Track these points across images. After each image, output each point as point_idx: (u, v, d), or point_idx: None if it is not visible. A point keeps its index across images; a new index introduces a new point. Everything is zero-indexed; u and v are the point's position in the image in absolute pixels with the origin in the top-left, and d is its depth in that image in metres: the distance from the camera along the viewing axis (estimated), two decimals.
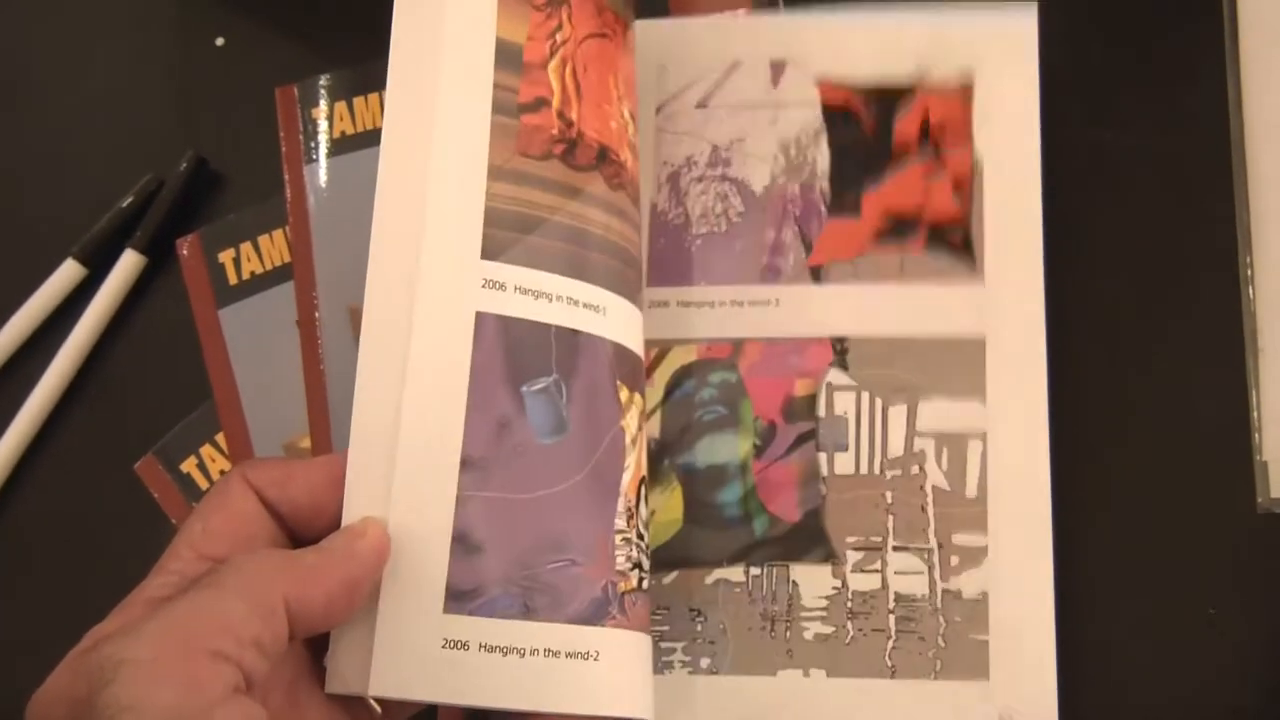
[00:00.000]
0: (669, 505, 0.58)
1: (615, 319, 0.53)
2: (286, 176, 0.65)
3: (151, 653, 0.40)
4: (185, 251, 0.66)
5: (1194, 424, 0.60)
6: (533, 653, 0.48)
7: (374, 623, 0.47)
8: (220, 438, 0.64)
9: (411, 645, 0.47)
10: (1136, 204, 0.63)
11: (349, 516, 0.48)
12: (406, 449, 0.48)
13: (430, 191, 0.50)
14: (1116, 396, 0.60)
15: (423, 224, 0.50)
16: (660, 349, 0.60)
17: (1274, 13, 0.60)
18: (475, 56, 0.52)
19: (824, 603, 0.56)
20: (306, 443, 0.61)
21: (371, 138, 0.65)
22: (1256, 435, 0.58)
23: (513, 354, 0.51)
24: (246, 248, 0.65)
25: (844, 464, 0.58)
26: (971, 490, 0.56)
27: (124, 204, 0.69)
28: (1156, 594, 0.58)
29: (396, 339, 0.49)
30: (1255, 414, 0.58)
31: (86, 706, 0.39)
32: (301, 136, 0.65)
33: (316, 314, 0.62)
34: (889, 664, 0.56)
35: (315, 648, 0.48)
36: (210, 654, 0.41)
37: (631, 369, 0.54)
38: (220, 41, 0.72)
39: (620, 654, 0.51)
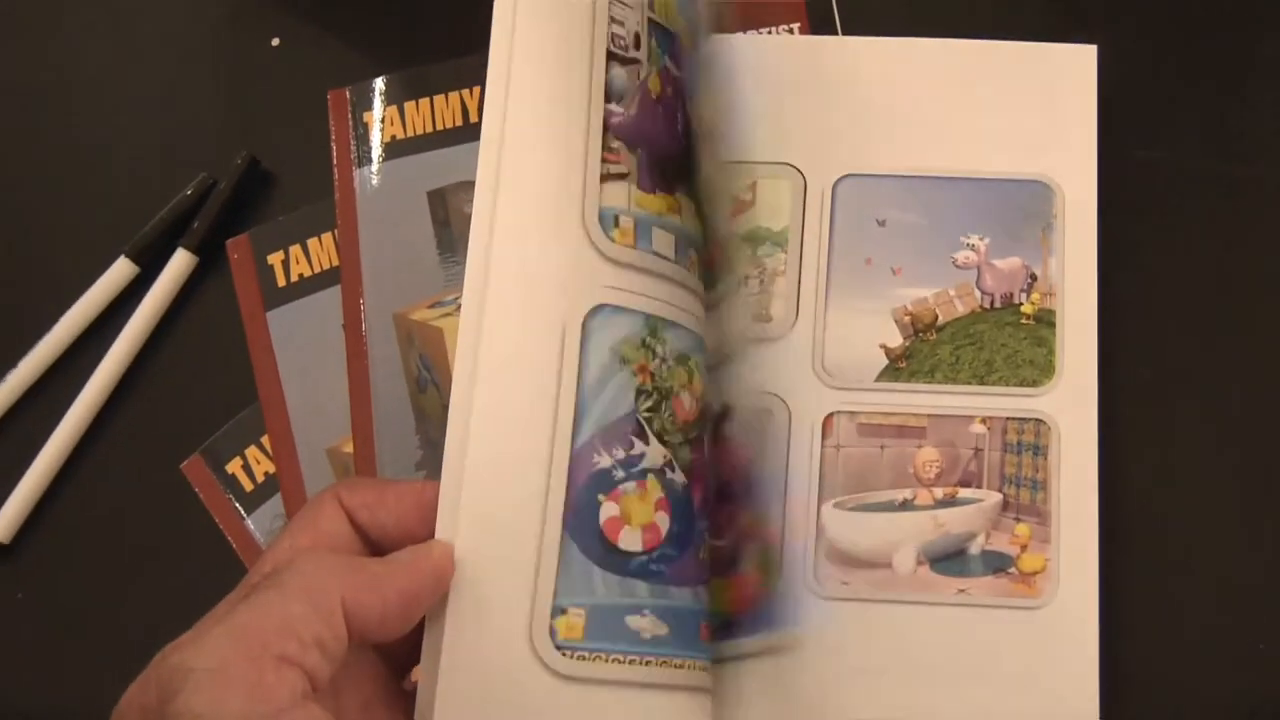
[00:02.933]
0: None
1: None
2: (336, 180, 0.65)
3: (218, 660, 0.40)
4: (235, 253, 0.66)
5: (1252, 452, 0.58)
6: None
7: (444, 654, 0.45)
8: (265, 440, 0.64)
9: (484, 678, 0.45)
10: (1193, 227, 0.62)
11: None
12: (494, 480, 0.47)
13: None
14: (1168, 421, 0.59)
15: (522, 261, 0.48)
16: None
17: None
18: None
19: None
20: (349, 447, 0.62)
21: (422, 143, 0.65)
22: None
23: None
24: (296, 250, 0.66)
25: None
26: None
27: (176, 203, 0.69)
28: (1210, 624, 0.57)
29: (492, 367, 0.47)
30: None
31: (157, 716, 0.40)
32: (353, 140, 0.65)
33: (362, 318, 0.62)
34: None
35: (395, 667, 0.48)
36: (276, 659, 0.41)
37: None
38: (276, 42, 0.73)
39: None
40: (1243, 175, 0.61)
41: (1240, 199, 0.61)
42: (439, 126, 0.65)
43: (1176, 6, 0.64)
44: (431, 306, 0.62)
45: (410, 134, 0.65)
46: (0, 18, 0.76)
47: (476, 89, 0.65)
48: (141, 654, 0.60)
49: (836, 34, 0.64)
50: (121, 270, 0.69)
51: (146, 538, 0.65)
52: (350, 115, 0.66)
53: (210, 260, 0.69)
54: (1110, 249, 0.59)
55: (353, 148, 0.65)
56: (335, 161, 0.65)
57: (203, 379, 0.67)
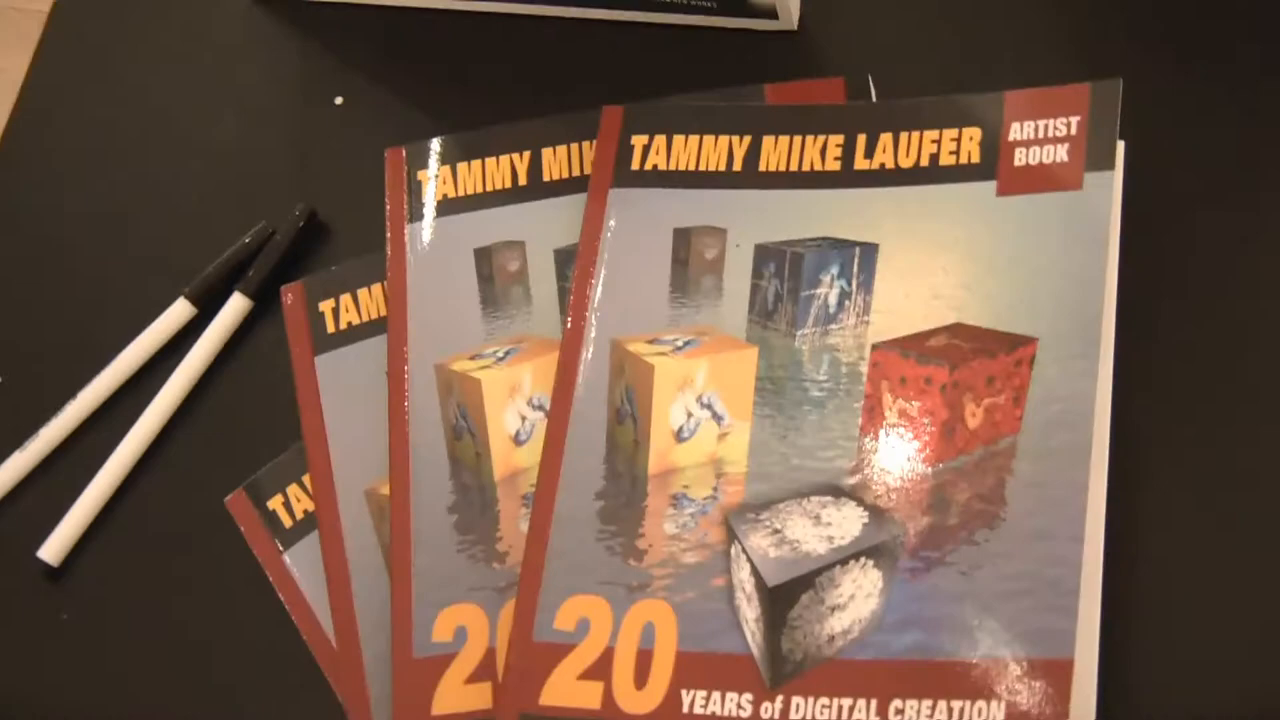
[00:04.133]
0: None
1: None
2: (389, 234, 0.68)
3: None
4: (289, 299, 0.69)
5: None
6: None
7: None
8: (307, 479, 0.67)
9: None
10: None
11: None
12: None
13: None
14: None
15: None
16: None
17: None
18: None
19: None
20: (386, 489, 0.64)
21: (472, 202, 0.68)
22: None
23: None
24: (346, 299, 0.69)
25: None
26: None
27: (236, 250, 0.72)
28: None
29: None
30: None
31: None
32: (406, 196, 0.68)
33: (406, 368, 0.65)
34: None
35: None
36: None
37: None
38: (339, 101, 0.76)
39: None
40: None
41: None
42: (489, 188, 0.68)
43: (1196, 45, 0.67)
44: (472, 358, 0.65)
45: (461, 193, 0.68)
46: (87, 67, 0.80)
47: (527, 153, 0.68)
48: (176, 676, 0.63)
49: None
50: (180, 311, 0.72)
51: (188, 567, 0.68)
52: (405, 173, 0.69)
53: (264, 305, 0.72)
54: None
55: (406, 204, 0.68)
56: (388, 216, 0.68)
57: (251, 417, 0.70)
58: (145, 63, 0.80)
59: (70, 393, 0.72)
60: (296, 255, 0.73)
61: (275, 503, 0.67)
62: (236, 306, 0.72)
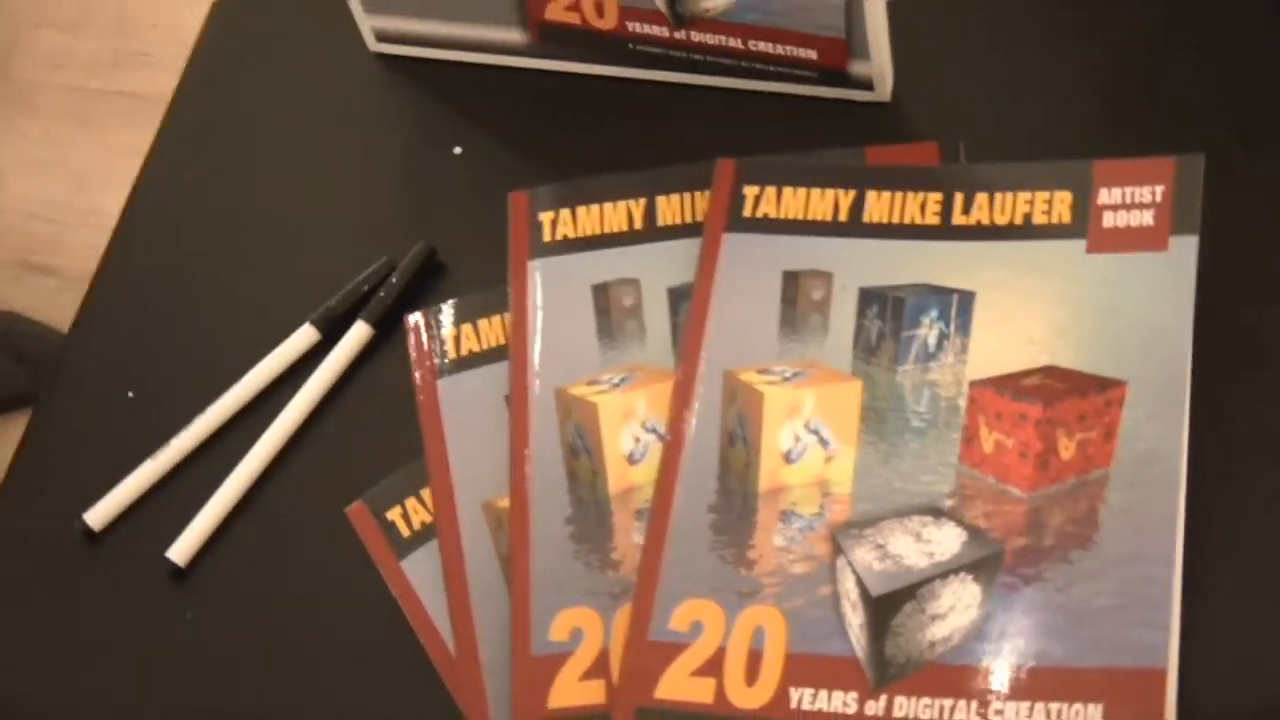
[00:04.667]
0: None
1: None
2: (511, 269, 0.73)
3: None
4: (413, 324, 0.74)
5: None
6: None
7: None
8: (424, 492, 0.71)
9: None
10: None
11: None
12: None
13: None
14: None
15: None
16: None
17: None
18: None
19: None
20: (504, 503, 0.69)
21: (590, 242, 0.73)
22: None
23: None
24: (467, 328, 0.74)
25: None
26: None
27: (359, 282, 0.77)
28: None
29: None
30: None
31: None
32: (529, 235, 0.74)
33: (527, 391, 0.70)
34: None
35: None
36: None
37: None
38: (458, 150, 0.82)
39: None
40: None
41: None
42: (606, 230, 0.74)
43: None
44: (589, 384, 0.70)
45: (580, 234, 0.74)
46: (223, 112, 0.85)
47: (643, 200, 0.74)
48: (293, 674, 0.67)
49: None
50: (305, 336, 0.77)
51: (308, 572, 0.72)
52: (528, 213, 0.74)
53: (384, 334, 0.77)
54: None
55: (528, 241, 0.74)
56: (511, 253, 0.74)
57: (368, 436, 0.75)
58: (275, 112, 0.85)
59: (199, 409, 0.76)
60: (415, 290, 0.78)
61: (394, 514, 0.71)
62: (359, 334, 0.77)
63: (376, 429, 0.75)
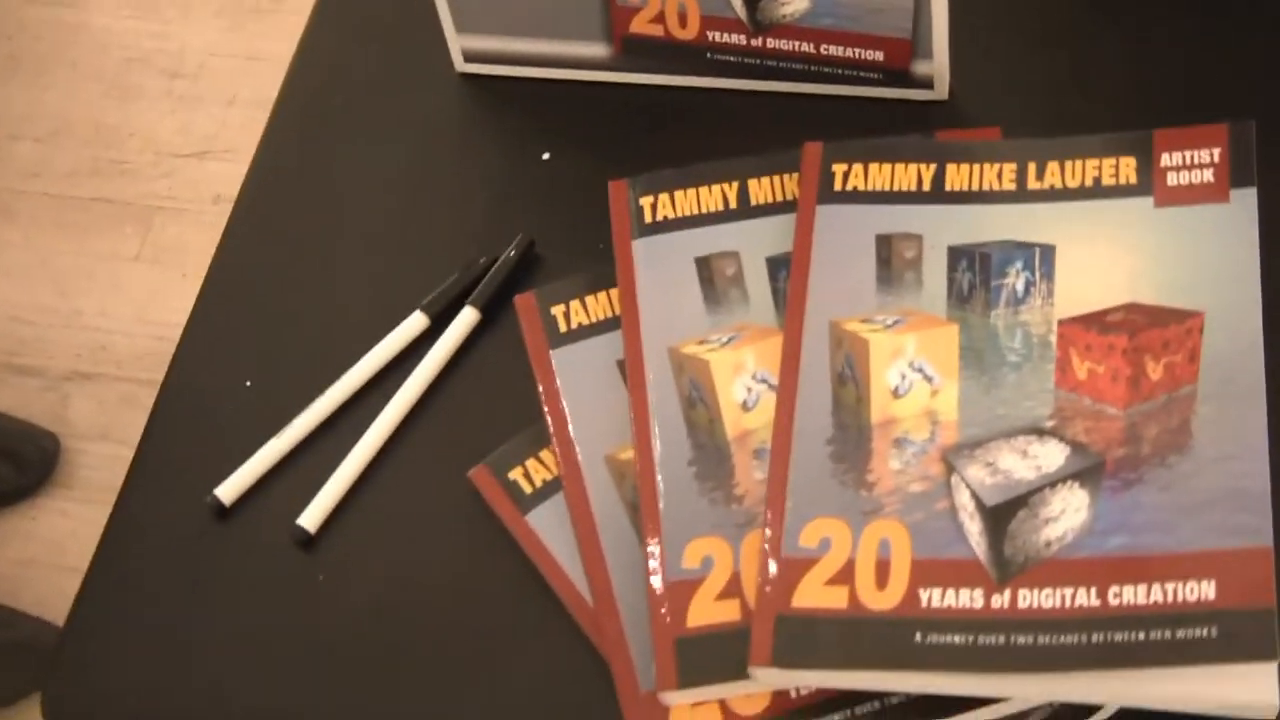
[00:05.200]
0: None
1: None
2: (616, 247, 0.79)
3: None
4: (523, 305, 0.80)
5: None
6: None
7: None
8: (544, 454, 0.76)
9: None
10: None
11: None
12: None
13: None
14: None
15: None
16: None
17: None
18: None
19: None
20: (626, 454, 0.74)
21: (688, 221, 0.80)
22: None
23: None
24: (575, 304, 0.79)
25: None
26: None
27: (463, 272, 0.83)
28: None
29: None
30: None
31: None
32: (630, 217, 0.80)
33: (642, 353, 0.76)
34: None
35: None
36: None
37: None
38: (546, 156, 0.88)
39: None
40: None
41: None
42: (702, 210, 0.80)
43: None
44: (700, 343, 0.76)
45: (679, 214, 0.80)
46: (330, 126, 0.91)
47: (735, 183, 0.80)
48: (422, 628, 0.72)
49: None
50: (416, 321, 0.83)
51: (434, 533, 0.77)
52: (628, 198, 0.80)
53: (491, 318, 0.83)
54: None
55: (630, 223, 0.80)
56: (614, 233, 0.80)
57: (482, 409, 0.80)
58: (370, 130, 0.91)
59: (315, 395, 0.81)
60: (516, 278, 0.83)
61: (515, 474, 0.76)
62: (467, 318, 0.82)
63: (488, 403, 0.80)
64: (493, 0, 0.87)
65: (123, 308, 2.10)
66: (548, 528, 0.75)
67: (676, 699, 0.67)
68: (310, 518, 0.77)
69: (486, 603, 0.74)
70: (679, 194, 0.80)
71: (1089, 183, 0.76)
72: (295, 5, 2.35)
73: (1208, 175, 0.74)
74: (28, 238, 2.22)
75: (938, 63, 0.83)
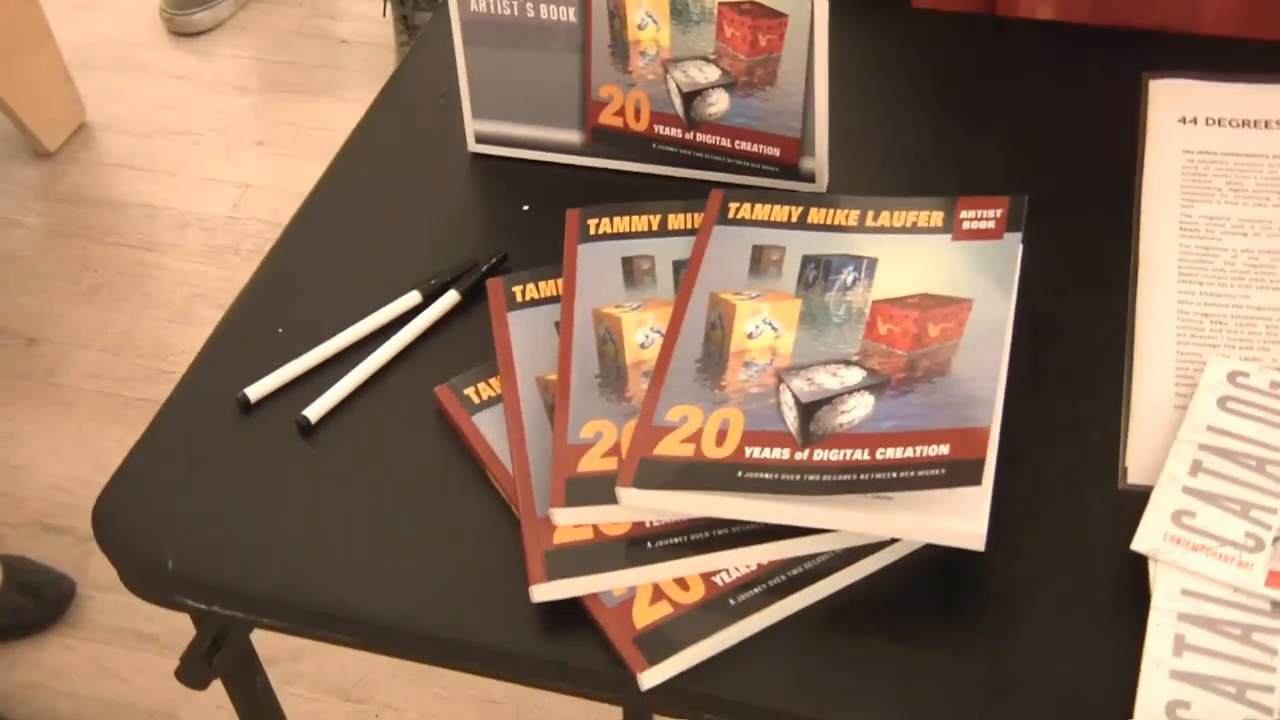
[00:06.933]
0: None
1: None
2: (565, 248, 1.09)
3: None
4: (492, 284, 1.09)
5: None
6: None
7: None
8: (491, 379, 1.04)
9: None
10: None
11: None
12: None
13: None
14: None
15: None
16: None
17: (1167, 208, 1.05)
18: None
19: None
20: (552, 377, 1.01)
21: (620, 236, 1.09)
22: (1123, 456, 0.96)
23: None
24: (530, 285, 1.08)
25: None
26: None
27: (452, 268, 1.12)
28: None
29: None
30: (1124, 421, 0.97)
31: None
32: (579, 231, 1.09)
33: (573, 313, 1.04)
34: None
35: None
36: None
37: None
38: (526, 207, 1.18)
39: None
40: None
41: None
42: (632, 230, 1.09)
43: None
44: (616, 307, 1.04)
45: (615, 231, 1.09)
46: (364, 184, 1.22)
47: (658, 215, 1.10)
48: (394, 497, 0.99)
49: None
50: (412, 297, 1.11)
51: (407, 430, 1.03)
52: (579, 220, 1.10)
53: (469, 301, 1.11)
54: None
55: (578, 234, 1.09)
56: (566, 239, 1.09)
57: (454, 357, 1.07)
58: (406, 190, 1.22)
59: (334, 331, 1.09)
60: (489, 276, 1.12)
61: (469, 391, 1.04)
62: (450, 297, 1.11)
63: (459, 354, 1.07)
64: (501, 94, 1.19)
65: None
66: (486, 427, 1.01)
67: (561, 516, 0.93)
68: (314, 410, 1.04)
69: (438, 477, 1.00)
70: (617, 219, 1.10)
71: (909, 224, 1.05)
72: None
73: (991, 224, 1.04)
74: (79, 426, 2.53)
75: (819, 159, 1.14)
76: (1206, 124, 1.16)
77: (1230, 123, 1.16)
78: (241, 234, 2.83)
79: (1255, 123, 1.16)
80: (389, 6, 2.97)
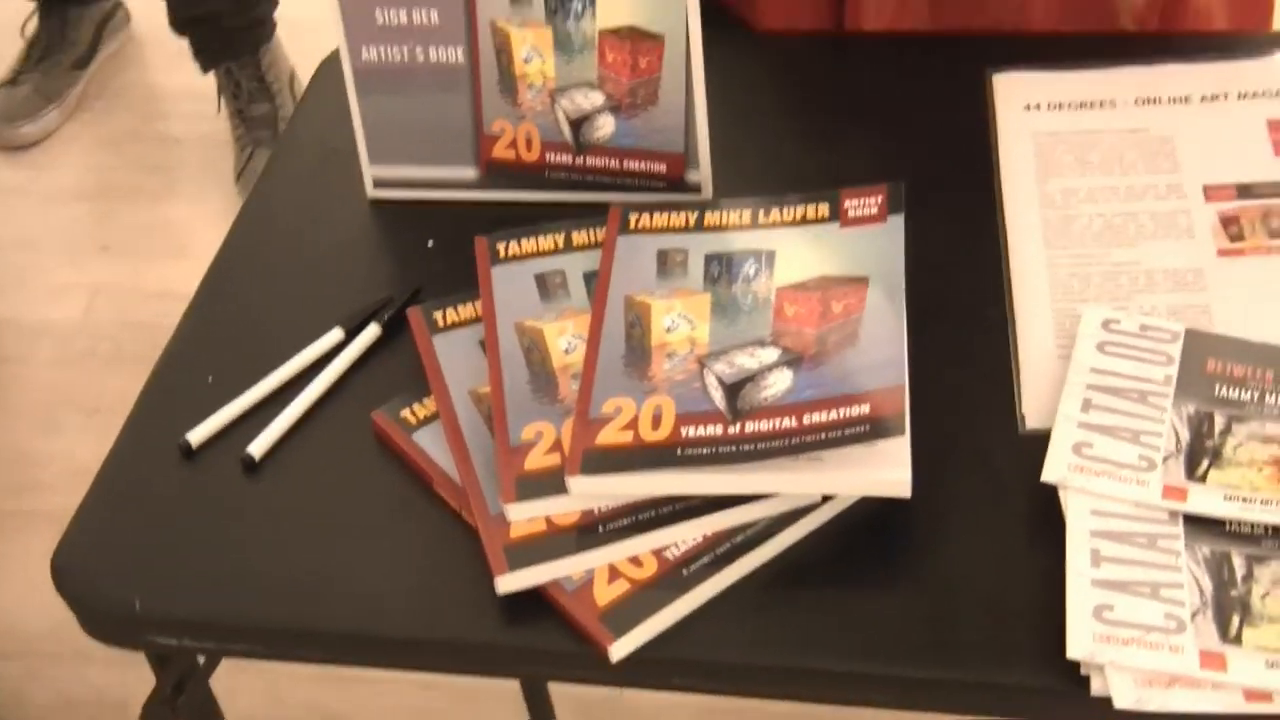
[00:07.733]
0: None
1: None
2: (479, 271, 1.15)
3: None
4: (413, 313, 1.15)
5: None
6: None
7: None
8: (425, 400, 1.09)
9: None
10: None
11: None
12: None
13: None
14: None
15: None
16: None
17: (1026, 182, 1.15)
18: None
19: None
20: (484, 389, 1.07)
21: (530, 256, 1.15)
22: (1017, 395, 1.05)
23: None
24: (450, 310, 1.14)
25: None
26: None
27: (371, 304, 1.17)
28: None
29: None
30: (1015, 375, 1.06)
31: None
32: (489, 255, 1.16)
33: (496, 329, 1.10)
34: None
35: None
36: None
37: None
38: (431, 243, 1.25)
39: None
40: None
41: None
42: (540, 250, 1.16)
43: None
44: (537, 320, 1.11)
45: (524, 253, 1.16)
46: (281, 221, 1.27)
47: (563, 233, 1.17)
48: (342, 520, 1.04)
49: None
50: (335, 335, 1.17)
51: (348, 458, 1.09)
52: (488, 245, 1.17)
53: (390, 334, 1.17)
54: None
55: (489, 258, 1.16)
56: (478, 262, 1.15)
57: (383, 386, 1.13)
58: (312, 236, 1.27)
59: (265, 372, 1.14)
60: (406, 308, 1.18)
61: (405, 413, 1.09)
62: (371, 332, 1.16)
63: (387, 381, 1.13)
64: (395, 138, 1.25)
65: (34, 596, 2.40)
66: (427, 445, 1.07)
67: (515, 511, 0.98)
68: (257, 447, 1.09)
69: (386, 496, 1.05)
70: (524, 240, 1.17)
71: (798, 218, 1.14)
72: None
73: (873, 210, 1.13)
74: None
75: (703, 171, 1.22)
76: (1050, 109, 1.27)
77: (1070, 105, 1.27)
78: (97, 337, 2.82)
79: (1093, 103, 1.26)
80: (223, 101, 3.00)
